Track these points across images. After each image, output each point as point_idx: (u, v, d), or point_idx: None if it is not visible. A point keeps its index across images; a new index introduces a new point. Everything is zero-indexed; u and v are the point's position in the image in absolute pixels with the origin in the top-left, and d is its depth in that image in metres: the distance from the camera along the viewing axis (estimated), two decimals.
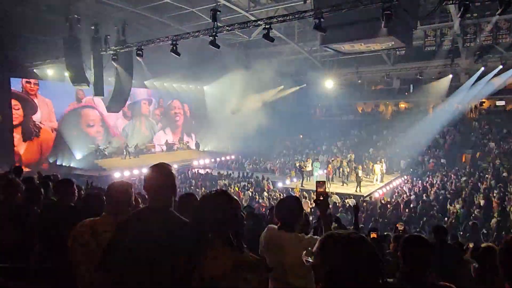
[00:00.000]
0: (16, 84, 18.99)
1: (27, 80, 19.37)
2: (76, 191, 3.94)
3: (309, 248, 1.39)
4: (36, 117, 19.95)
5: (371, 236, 4.29)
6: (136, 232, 1.98)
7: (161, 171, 2.12)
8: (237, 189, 17.31)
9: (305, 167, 19.19)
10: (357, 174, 17.75)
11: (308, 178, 18.86)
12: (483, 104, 26.77)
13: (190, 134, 29.39)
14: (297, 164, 20.46)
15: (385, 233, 7.24)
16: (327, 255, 1.29)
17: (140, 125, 26.15)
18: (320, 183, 2.57)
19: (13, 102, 18.82)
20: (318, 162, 20.27)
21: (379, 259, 1.30)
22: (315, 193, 2.58)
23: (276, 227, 2.53)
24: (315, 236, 2.39)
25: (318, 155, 25.15)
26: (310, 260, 1.33)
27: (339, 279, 1.25)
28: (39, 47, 17.22)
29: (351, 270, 1.24)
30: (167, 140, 27.59)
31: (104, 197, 2.73)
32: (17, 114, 19.06)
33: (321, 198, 2.53)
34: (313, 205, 10.10)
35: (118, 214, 2.49)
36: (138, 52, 14.14)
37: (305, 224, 3.46)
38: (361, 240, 1.30)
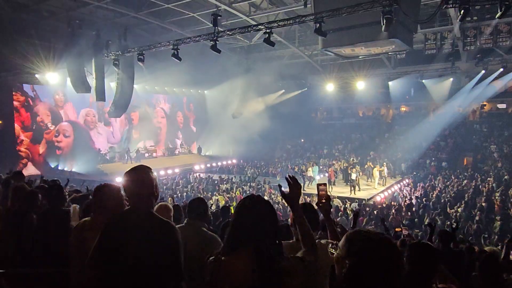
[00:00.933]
0: (25, 89, 19.48)
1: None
2: (66, 196, 3.96)
3: (335, 242, 1.41)
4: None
5: None
6: (120, 233, 2.04)
7: (139, 174, 2.12)
8: (238, 193, 17.29)
9: (306, 171, 19.18)
10: (350, 177, 17.80)
11: (310, 182, 18.83)
12: (484, 107, 26.77)
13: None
14: (296, 169, 20.49)
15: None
16: (353, 249, 1.33)
17: (140, 130, 26.21)
18: (321, 186, 2.55)
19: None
20: (316, 166, 20.23)
21: (401, 263, 1.34)
22: (316, 196, 2.56)
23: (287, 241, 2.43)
24: (330, 240, 2.36)
25: (319, 159, 25.14)
26: (334, 253, 1.38)
27: (360, 274, 1.29)
28: (41, 53, 17.30)
29: (374, 266, 1.28)
30: (168, 144, 27.63)
31: (93, 199, 2.76)
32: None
33: (323, 201, 2.51)
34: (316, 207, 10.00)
35: (106, 215, 2.53)
36: (139, 57, 14.20)
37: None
38: (389, 241, 1.35)
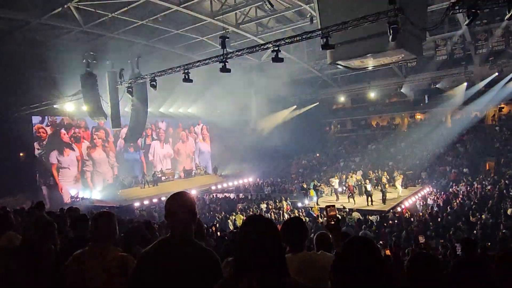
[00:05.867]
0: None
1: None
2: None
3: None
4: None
5: (386, 252, 4.16)
6: (160, 262, 1.99)
7: (181, 200, 2.11)
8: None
9: (319, 186, 18.92)
10: (365, 189, 17.49)
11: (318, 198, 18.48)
12: (503, 109, 26.17)
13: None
14: (304, 185, 20.38)
15: (406, 250, 7.01)
16: (345, 258, 1.49)
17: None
18: (329, 207, 2.58)
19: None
20: (314, 182, 19.60)
21: (383, 262, 1.50)
22: (326, 217, 2.58)
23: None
24: (328, 254, 2.41)
25: (336, 172, 24.86)
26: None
27: (351, 279, 1.43)
28: (58, 85, 17.93)
29: (361, 270, 1.42)
30: (184, 167, 27.84)
31: (90, 228, 2.72)
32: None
33: (332, 222, 2.53)
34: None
35: (103, 242, 2.55)
36: (152, 83, 14.52)
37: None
38: (367, 243, 1.50)
